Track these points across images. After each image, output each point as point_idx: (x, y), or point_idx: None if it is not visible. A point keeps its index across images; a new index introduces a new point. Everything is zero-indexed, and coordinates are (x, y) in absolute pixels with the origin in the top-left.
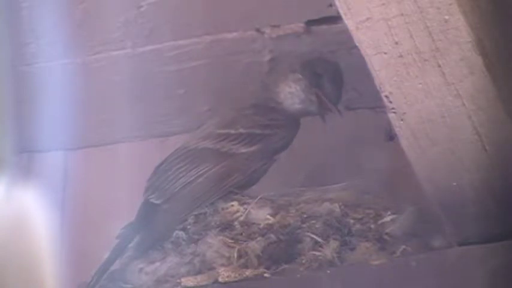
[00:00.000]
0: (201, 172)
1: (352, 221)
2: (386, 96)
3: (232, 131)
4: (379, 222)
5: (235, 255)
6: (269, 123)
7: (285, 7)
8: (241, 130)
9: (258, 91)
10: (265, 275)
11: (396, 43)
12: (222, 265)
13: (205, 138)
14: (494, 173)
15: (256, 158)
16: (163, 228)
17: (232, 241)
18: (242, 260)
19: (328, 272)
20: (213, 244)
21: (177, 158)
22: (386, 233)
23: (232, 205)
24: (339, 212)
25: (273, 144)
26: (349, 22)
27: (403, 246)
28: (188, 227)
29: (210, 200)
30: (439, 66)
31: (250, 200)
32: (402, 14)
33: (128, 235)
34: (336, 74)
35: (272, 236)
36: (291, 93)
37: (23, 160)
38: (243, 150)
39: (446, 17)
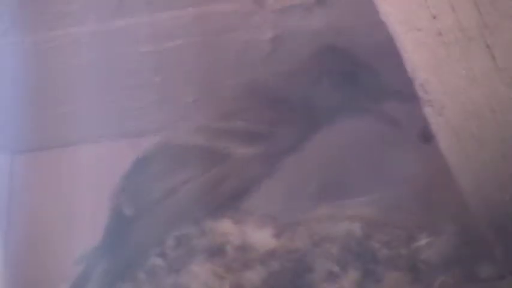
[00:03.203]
0: (187, 178)
1: (377, 244)
2: (421, 85)
3: (230, 125)
4: (412, 246)
5: None
6: (275, 119)
7: None
8: (240, 124)
9: (264, 78)
10: None
11: (434, 17)
12: None
13: (197, 132)
14: None
15: (255, 162)
16: (135, 252)
17: (224, 270)
18: None
19: None
20: (199, 274)
21: (161, 152)
22: (421, 260)
23: (224, 224)
24: (360, 233)
25: (278, 147)
26: None
27: (442, 277)
28: (167, 251)
29: (195, 216)
30: (488, 46)
31: (247, 217)
32: None
33: (91, 262)
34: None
35: (275, 263)
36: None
37: None
38: (241, 150)
39: None
